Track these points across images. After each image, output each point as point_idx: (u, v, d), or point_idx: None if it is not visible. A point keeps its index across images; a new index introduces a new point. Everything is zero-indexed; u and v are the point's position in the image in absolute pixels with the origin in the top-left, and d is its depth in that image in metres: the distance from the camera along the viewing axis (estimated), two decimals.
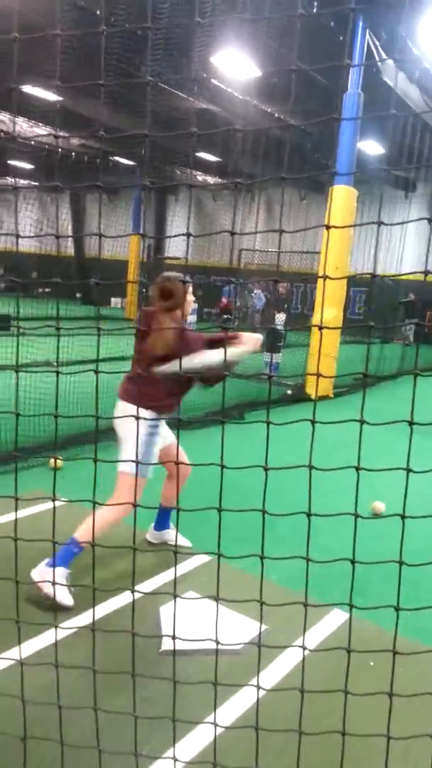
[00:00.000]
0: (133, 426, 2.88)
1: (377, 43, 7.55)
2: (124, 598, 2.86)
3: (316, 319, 8.67)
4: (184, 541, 3.52)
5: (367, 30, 7.33)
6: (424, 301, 17.12)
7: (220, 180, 19.67)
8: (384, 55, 7.72)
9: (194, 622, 2.65)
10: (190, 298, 3.22)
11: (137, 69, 7.78)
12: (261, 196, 20.96)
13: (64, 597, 2.79)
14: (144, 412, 2.96)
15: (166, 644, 2.48)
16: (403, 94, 8.54)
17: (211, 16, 6.87)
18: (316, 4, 6.73)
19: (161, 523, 3.56)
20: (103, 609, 2.80)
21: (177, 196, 23.47)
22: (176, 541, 2.01)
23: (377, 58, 7.62)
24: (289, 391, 8.61)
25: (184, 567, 3.21)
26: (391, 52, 7.74)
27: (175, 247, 23.58)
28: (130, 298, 21.05)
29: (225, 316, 11.43)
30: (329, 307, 8.27)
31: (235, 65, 9.59)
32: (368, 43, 7.42)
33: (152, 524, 3.58)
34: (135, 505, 1.64)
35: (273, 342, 10.39)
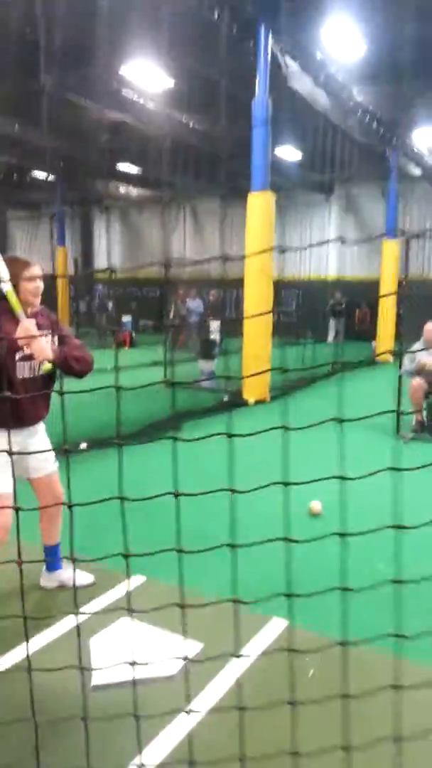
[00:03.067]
0: None
1: (281, 48, 7.66)
2: (49, 635, 2.70)
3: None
4: (84, 578, 3.09)
5: (270, 35, 7.44)
6: (352, 300, 17.56)
7: (143, 192, 19.60)
8: (289, 61, 7.84)
9: (127, 650, 2.52)
10: (31, 284, 2.66)
11: (37, 79, 7.59)
12: (186, 206, 21.01)
13: None
14: None
15: (96, 678, 2.34)
16: (310, 98, 8.73)
17: (113, 27, 6.79)
18: (217, 11, 6.78)
19: (51, 564, 3.09)
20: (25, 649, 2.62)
21: (101, 208, 23.21)
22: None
23: (282, 64, 7.73)
24: (226, 398, 8.59)
25: (118, 591, 3.06)
26: (296, 57, 7.88)
27: (105, 260, 23.30)
28: (61, 313, 20.64)
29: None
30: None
31: (145, 75, 9.55)
32: (272, 48, 7.53)
33: (43, 568, 3.11)
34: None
35: (208, 350, 10.37)
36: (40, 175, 18.50)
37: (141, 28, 7.83)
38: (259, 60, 7.49)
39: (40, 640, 2.65)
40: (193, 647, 2.56)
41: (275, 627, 2.77)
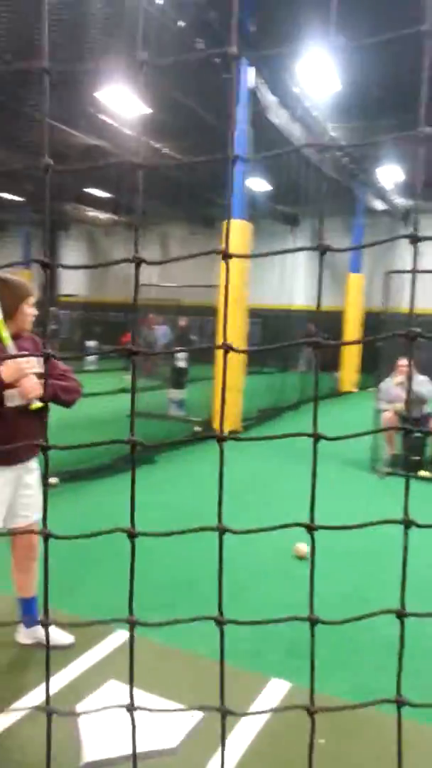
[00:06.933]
0: None
1: (261, 81, 7.73)
2: (29, 700, 2.43)
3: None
4: (63, 637, 2.82)
5: (250, 69, 7.49)
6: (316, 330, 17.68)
7: (112, 216, 19.51)
8: (268, 94, 7.92)
9: (119, 722, 2.28)
10: (29, 310, 2.50)
11: (20, 103, 7.44)
12: (154, 232, 21.01)
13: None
14: None
15: (87, 755, 2.09)
16: (285, 132, 8.82)
17: (94, 54, 6.72)
18: (201, 41, 6.80)
19: (28, 620, 2.82)
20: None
21: (67, 231, 22.97)
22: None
23: (261, 96, 7.80)
24: (197, 428, 8.39)
25: (101, 650, 2.80)
26: (275, 91, 7.97)
27: (69, 284, 22.98)
28: None
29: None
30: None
31: (122, 102, 9.50)
32: (252, 81, 7.57)
33: (20, 623, 2.87)
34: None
35: (177, 378, 10.18)
36: (5, 196, 18.16)
37: (120, 52, 7.79)
38: (239, 92, 7.51)
39: (20, 707, 2.38)
40: (192, 715, 2.33)
41: (277, 689, 2.56)
